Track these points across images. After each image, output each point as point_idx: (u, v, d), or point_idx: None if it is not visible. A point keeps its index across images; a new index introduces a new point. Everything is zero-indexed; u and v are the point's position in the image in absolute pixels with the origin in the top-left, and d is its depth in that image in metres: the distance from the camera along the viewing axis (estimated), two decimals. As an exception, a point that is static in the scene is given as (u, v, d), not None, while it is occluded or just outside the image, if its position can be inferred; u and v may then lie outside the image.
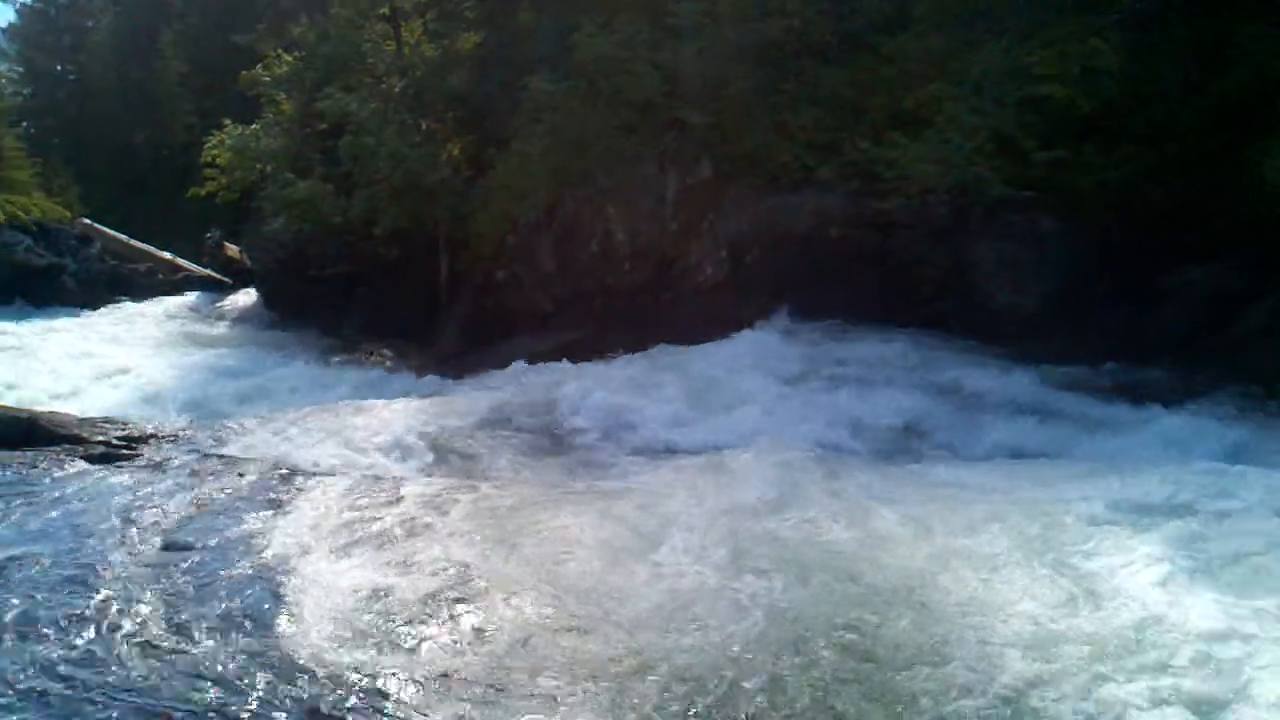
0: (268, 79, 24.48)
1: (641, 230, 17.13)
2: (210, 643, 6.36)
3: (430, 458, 11.13)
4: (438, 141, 20.79)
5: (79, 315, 25.63)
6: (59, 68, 51.57)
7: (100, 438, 11.71)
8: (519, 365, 15.78)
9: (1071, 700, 5.22)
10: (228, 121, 24.93)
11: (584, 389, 13.54)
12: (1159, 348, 12.14)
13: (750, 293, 15.33)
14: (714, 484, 9.35)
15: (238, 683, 5.86)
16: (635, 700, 5.54)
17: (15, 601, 7.04)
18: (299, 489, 9.79)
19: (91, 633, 6.52)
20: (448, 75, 21.09)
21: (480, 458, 11.19)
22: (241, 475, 10.29)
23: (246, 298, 26.42)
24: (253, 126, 24.37)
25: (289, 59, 23.92)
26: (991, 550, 7.24)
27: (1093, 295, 13.00)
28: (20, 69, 51.65)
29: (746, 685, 5.65)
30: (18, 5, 51.22)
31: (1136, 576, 6.53)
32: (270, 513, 9.04)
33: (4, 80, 46.21)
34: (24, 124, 44.93)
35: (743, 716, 5.37)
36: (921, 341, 13.47)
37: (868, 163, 14.37)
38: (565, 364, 15.19)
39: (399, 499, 9.38)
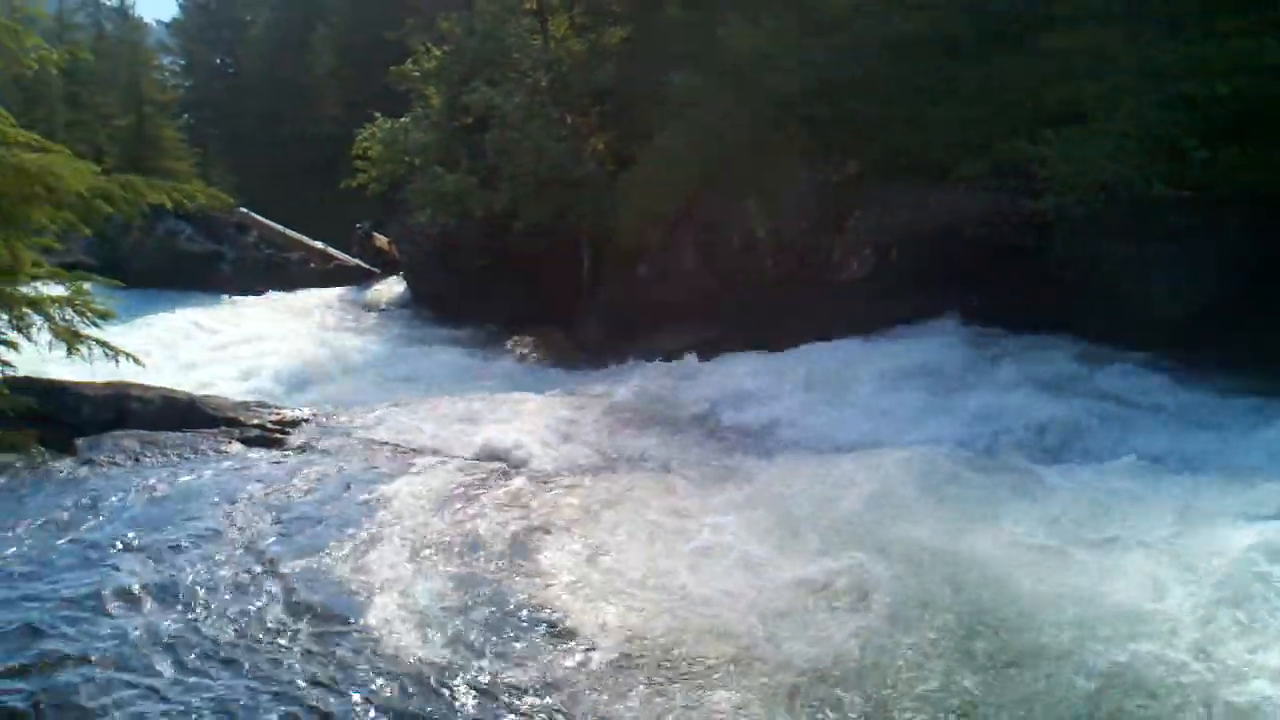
0: (416, 73, 24.98)
1: (783, 226, 17.02)
2: (349, 617, 6.55)
3: (570, 450, 11.23)
4: (581, 136, 20.97)
5: (235, 302, 26.48)
6: (218, 61, 53.39)
7: (254, 421, 12.13)
8: (658, 360, 15.84)
9: None
10: (377, 115, 25.51)
11: (724, 385, 13.54)
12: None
13: (893, 291, 15.11)
14: (852, 483, 9.27)
15: (369, 655, 6.02)
16: (777, 699, 5.54)
17: (181, 571, 7.34)
18: (441, 476, 9.99)
19: (248, 601, 6.78)
20: (593, 70, 21.22)
21: (619, 451, 11.26)
22: (386, 461, 10.56)
23: (394, 288, 27.00)
24: (402, 120, 24.90)
25: (437, 54, 24.35)
26: (1138, 560, 7.06)
27: (1248, 302, 12.49)
28: (182, 62, 53.61)
29: (881, 686, 5.62)
30: (181, 1, 53.11)
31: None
32: (411, 498, 9.26)
33: (166, 73, 47.80)
34: (184, 115, 46.53)
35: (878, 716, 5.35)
36: (1067, 343, 13.15)
37: (1017, 160, 14.05)
38: (705, 359, 15.19)
39: (538, 489, 9.51)
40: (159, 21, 54.21)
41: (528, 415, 12.34)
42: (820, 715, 5.34)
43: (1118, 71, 13.20)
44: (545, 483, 9.79)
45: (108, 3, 47.97)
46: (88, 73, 38.43)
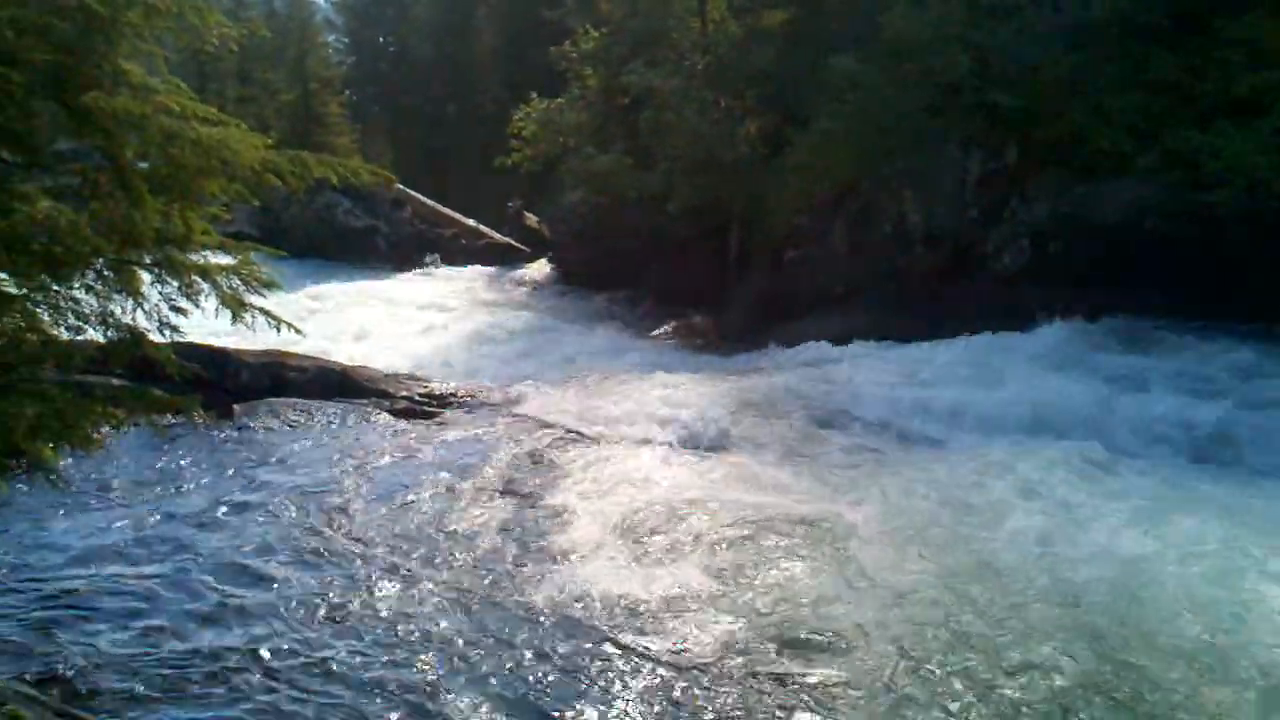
0: (575, 54, 25.16)
1: (939, 214, 16.73)
2: (490, 586, 6.64)
3: (715, 433, 11.20)
4: (736, 119, 20.87)
5: (390, 276, 27.07)
6: (381, 39, 54.54)
7: (404, 393, 12.40)
8: (807, 346, 15.71)
9: None
10: (534, 95, 25.78)
11: (872, 373, 13.37)
12: None
13: (1052, 284, 14.70)
14: (999, 480, 9.08)
15: (511, 626, 6.10)
16: (926, 691, 5.45)
17: (324, 535, 7.56)
18: (583, 453, 10.09)
19: (393, 567, 6.95)
20: (751, 53, 21.07)
21: (764, 437, 11.18)
22: (530, 436, 10.68)
23: (543, 267, 27.29)
24: (558, 100, 25.12)
25: (595, 35, 24.48)
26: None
27: None
28: (346, 40, 54.98)
29: (1038, 682, 5.49)
30: (349, -22, 54.48)
31: None
32: (554, 474, 9.37)
33: (331, 50, 49.01)
34: (347, 92, 47.68)
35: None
36: (1240, 345, 12.59)
37: (1191, 152, 13.54)
38: (853, 347, 15.02)
39: (684, 471, 9.53)
40: (326, 0, 55.55)
41: (672, 396, 12.35)
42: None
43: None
44: (690, 462, 9.81)
45: (279, -19, 49.51)
46: (258, 49, 39.64)
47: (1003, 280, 15.74)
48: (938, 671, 5.62)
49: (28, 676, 5.39)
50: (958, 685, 5.48)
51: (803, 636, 6.03)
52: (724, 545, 7.49)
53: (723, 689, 5.46)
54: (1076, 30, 14.98)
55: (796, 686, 5.50)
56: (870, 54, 16.77)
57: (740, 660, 5.75)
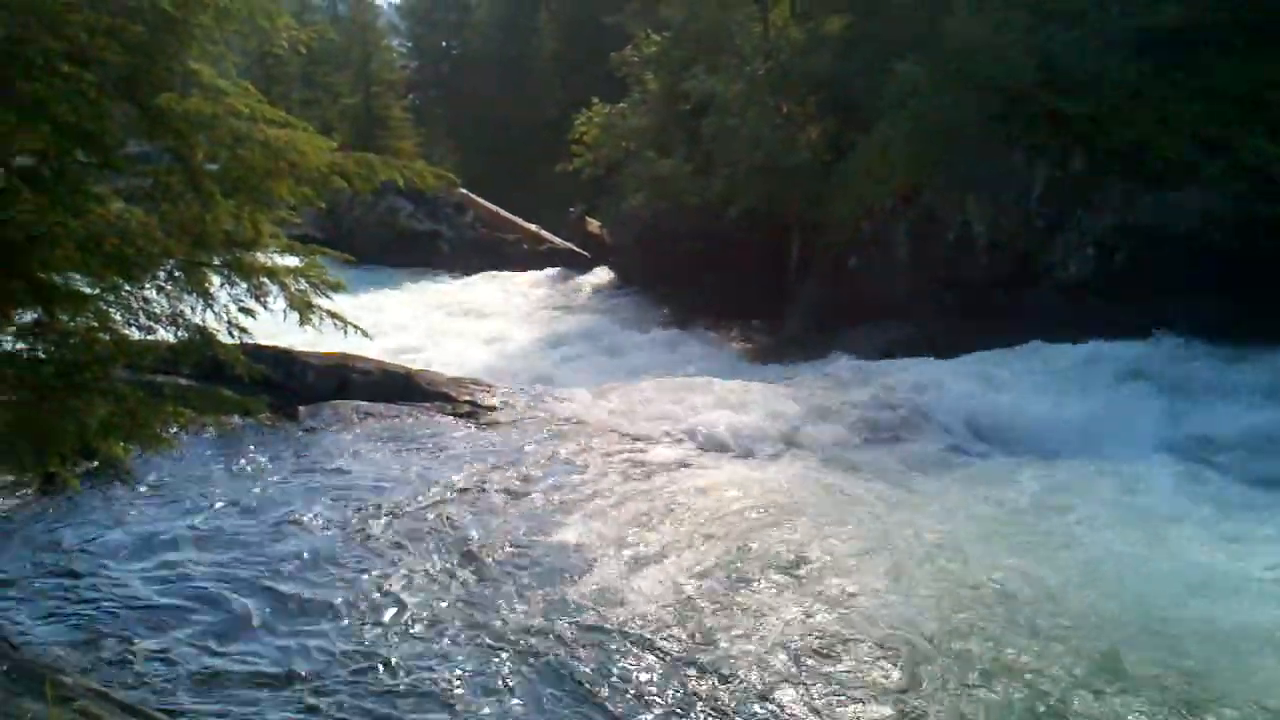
0: (636, 59, 25.19)
1: (1002, 222, 16.51)
2: (545, 593, 6.64)
3: (773, 441, 11.19)
4: (797, 124, 20.79)
5: (452, 280, 27.24)
6: (444, 43, 54.91)
7: (466, 397, 12.45)
8: (864, 354, 15.61)
9: None
10: (596, 100, 25.83)
11: (932, 382, 13.25)
12: None
13: (1118, 295, 14.49)
14: (1068, 492, 8.98)
15: (575, 631, 6.09)
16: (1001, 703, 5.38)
17: (386, 535, 7.60)
18: (642, 459, 10.08)
19: (454, 569, 6.97)
20: (812, 58, 20.96)
21: (824, 445, 11.14)
22: (591, 442, 10.69)
23: (603, 272, 27.34)
24: (620, 105, 25.15)
25: (657, 40, 24.49)
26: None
27: None
28: (409, 44, 55.40)
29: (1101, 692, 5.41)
30: (412, -17, 54.88)
31: None
32: (616, 481, 9.36)
33: (394, 54, 49.35)
34: (410, 96, 48.04)
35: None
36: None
37: (1262, 162, 13.29)
38: (911, 355, 14.89)
39: (741, 475, 9.49)
40: (389, 3, 56.03)
41: (731, 402, 12.32)
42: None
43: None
44: (750, 470, 9.77)
45: (343, -15, 50.05)
46: (322, 52, 40.07)
47: (1066, 290, 15.52)
48: (1012, 680, 5.55)
49: (96, 674, 5.46)
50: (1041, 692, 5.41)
51: (866, 646, 5.98)
52: (789, 554, 7.45)
53: (785, 695, 5.43)
54: (1143, 36, 14.74)
55: (869, 694, 5.45)
56: (932, 59, 16.62)
57: (806, 666, 5.71)
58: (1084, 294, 15.20)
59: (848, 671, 5.69)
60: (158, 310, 5.48)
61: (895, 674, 5.66)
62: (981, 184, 16.51)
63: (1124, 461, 9.59)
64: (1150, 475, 9.29)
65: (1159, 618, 6.29)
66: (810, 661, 5.78)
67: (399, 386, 12.49)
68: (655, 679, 5.60)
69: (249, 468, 9.34)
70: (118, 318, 5.36)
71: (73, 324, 5.20)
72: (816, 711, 5.30)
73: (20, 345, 5.16)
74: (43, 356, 5.18)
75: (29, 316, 5.13)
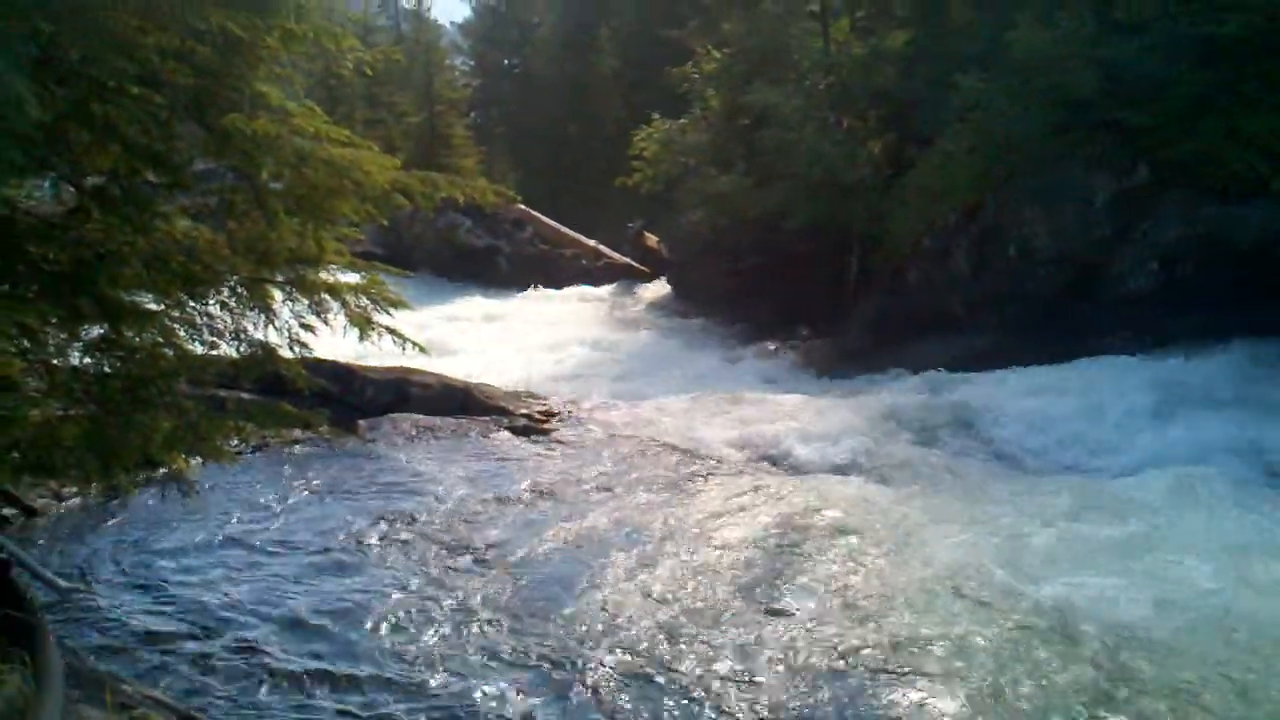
0: (696, 75, 25.21)
1: (1064, 235, 16.35)
2: (597, 608, 6.64)
3: (834, 455, 11.14)
4: (857, 139, 20.69)
5: (511, 296, 27.37)
6: (505, 61, 55.23)
7: (523, 411, 12.53)
8: (924, 368, 15.50)
9: None
10: (655, 115, 25.88)
11: (994, 398, 13.15)
12: None
13: (1182, 309, 14.28)
14: (1125, 510, 8.85)
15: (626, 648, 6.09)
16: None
17: (444, 547, 7.66)
18: (699, 474, 10.07)
19: (509, 581, 7.01)
20: (873, 73, 20.90)
21: (879, 458, 11.08)
22: (648, 456, 10.71)
23: (662, 287, 27.35)
24: (680, 121, 25.18)
25: (717, 55, 24.50)
26: None
27: None
28: (471, 62, 55.80)
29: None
30: (474, 3, 55.25)
31: None
32: (674, 494, 9.36)
33: (457, 73, 49.69)
34: (472, 114, 48.37)
35: None
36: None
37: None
38: (971, 370, 14.77)
39: (801, 491, 9.44)
40: (452, 22, 56.45)
41: (791, 417, 12.29)
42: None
43: None
44: (811, 485, 9.72)
45: (405, 5, 50.49)
46: (385, 72, 40.47)
47: (1130, 303, 15.34)
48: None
49: (153, 680, 5.55)
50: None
51: (927, 661, 5.94)
52: (852, 569, 7.42)
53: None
54: (1208, 46, 14.53)
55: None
56: (995, 72, 16.50)
57: (878, 679, 5.68)
58: (1147, 307, 15.03)
59: (899, 689, 5.66)
60: (221, 326, 5.58)
61: (953, 701, 5.61)
62: (1044, 197, 16.37)
63: (1197, 480, 9.42)
64: (1224, 493, 9.13)
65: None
66: (864, 680, 5.75)
67: (457, 400, 12.60)
68: (716, 690, 5.60)
69: (309, 480, 9.46)
70: (182, 333, 5.46)
71: (138, 340, 5.30)
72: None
73: (87, 360, 5.27)
74: (109, 371, 5.28)
75: (96, 332, 5.24)
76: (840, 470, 10.61)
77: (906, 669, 5.85)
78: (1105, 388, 12.77)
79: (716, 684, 5.69)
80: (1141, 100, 15.08)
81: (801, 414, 12.43)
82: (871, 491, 9.62)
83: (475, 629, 6.36)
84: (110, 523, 8.19)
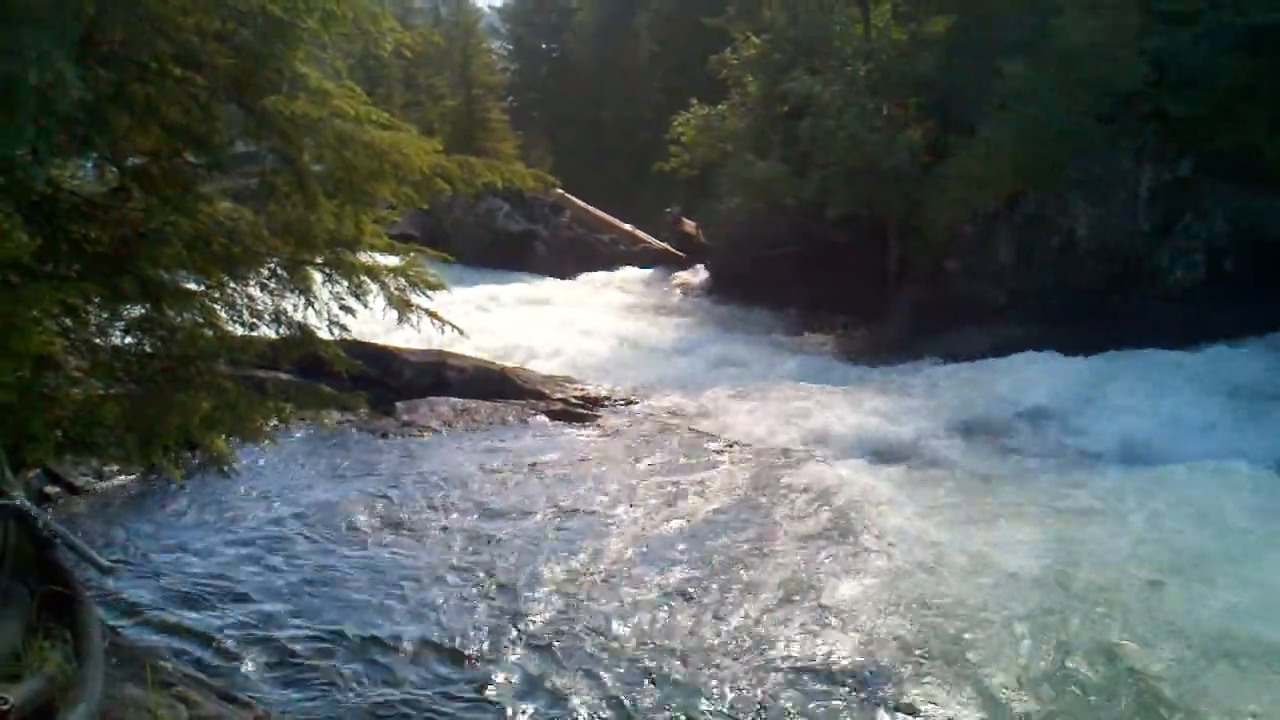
0: (736, 61, 25.08)
1: (1108, 226, 16.18)
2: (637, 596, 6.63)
3: (872, 442, 11.10)
4: (897, 126, 20.51)
5: (548, 281, 27.34)
6: (543, 46, 55.19)
7: (559, 395, 12.54)
8: (962, 358, 15.38)
9: None
10: (694, 101, 25.78)
11: (1029, 389, 13.03)
12: None
13: (1227, 302, 14.14)
14: (1164, 502, 8.77)
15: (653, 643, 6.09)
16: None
17: (476, 532, 7.67)
18: (738, 463, 10.04)
19: (545, 566, 7.00)
20: (914, 60, 20.69)
21: (916, 449, 11.02)
22: (684, 443, 10.68)
23: (698, 273, 27.27)
24: (719, 107, 25.07)
25: (756, 42, 24.35)
26: None
27: None
28: (510, 46, 55.80)
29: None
30: (514, -13, 55.27)
31: None
32: (710, 481, 9.33)
33: (495, 57, 49.68)
34: (509, 98, 48.37)
35: None
36: None
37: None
38: (1011, 361, 14.62)
39: (837, 479, 9.39)
40: (490, 6, 56.45)
41: (828, 406, 12.22)
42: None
43: None
44: (846, 473, 9.67)
45: (444, -12, 50.56)
46: (423, 55, 40.48)
47: (1174, 296, 15.19)
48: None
49: (191, 659, 5.59)
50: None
51: (978, 654, 5.90)
52: (898, 556, 7.40)
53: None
54: (1258, 35, 14.29)
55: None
56: (1039, 61, 16.30)
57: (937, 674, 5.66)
58: (1192, 299, 14.89)
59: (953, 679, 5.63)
60: (260, 307, 5.60)
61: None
62: (1088, 188, 16.21)
63: (1244, 474, 9.32)
64: (1233, 486, 9.05)
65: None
66: (912, 667, 5.72)
67: (494, 383, 12.63)
68: (775, 682, 5.59)
69: (347, 460, 9.51)
70: (222, 314, 5.48)
71: (179, 320, 5.33)
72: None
73: (128, 340, 5.30)
74: (150, 351, 5.31)
75: (137, 311, 5.27)
76: (881, 457, 10.56)
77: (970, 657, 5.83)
78: (1154, 380, 12.63)
79: (772, 675, 5.70)
80: (1187, 89, 14.88)
81: (839, 401, 12.37)
82: (913, 479, 9.59)
83: (504, 609, 6.36)
84: (151, 501, 8.26)
